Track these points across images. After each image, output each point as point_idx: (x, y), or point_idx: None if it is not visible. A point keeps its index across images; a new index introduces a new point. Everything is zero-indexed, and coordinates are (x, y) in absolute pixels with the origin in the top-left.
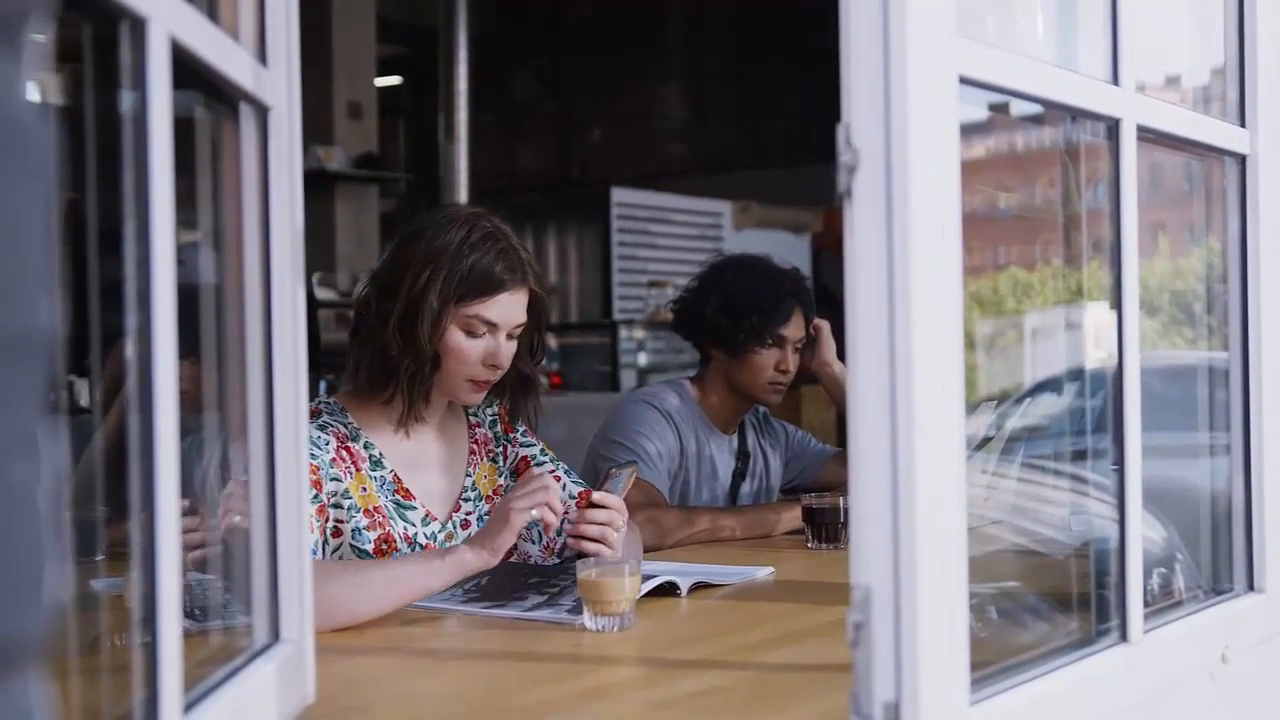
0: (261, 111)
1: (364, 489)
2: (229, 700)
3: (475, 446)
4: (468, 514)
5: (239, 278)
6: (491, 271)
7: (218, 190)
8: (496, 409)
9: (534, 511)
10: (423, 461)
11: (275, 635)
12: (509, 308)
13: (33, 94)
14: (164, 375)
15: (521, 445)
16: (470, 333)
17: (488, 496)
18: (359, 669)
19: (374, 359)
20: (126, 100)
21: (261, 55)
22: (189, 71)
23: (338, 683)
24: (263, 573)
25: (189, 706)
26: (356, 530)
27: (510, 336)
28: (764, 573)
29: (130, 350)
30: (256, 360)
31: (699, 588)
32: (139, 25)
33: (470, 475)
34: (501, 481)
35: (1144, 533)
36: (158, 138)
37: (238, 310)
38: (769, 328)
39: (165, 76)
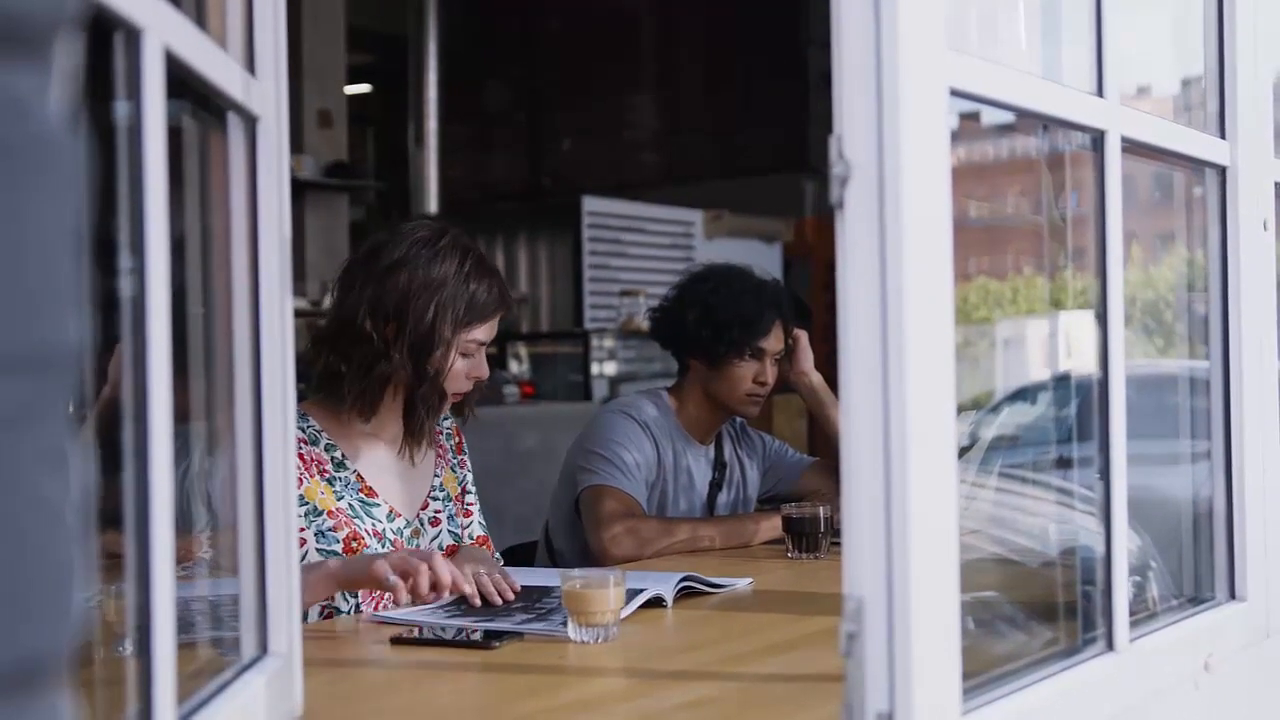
0: (250, 121)
1: (323, 493)
2: (219, 714)
3: (441, 450)
4: (436, 511)
5: (226, 287)
6: (492, 299)
7: (205, 200)
8: (452, 423)
9: (392, 578)
10: (388, 464)
11: (263, 648)
12: (495, 327)
13: (62, 108)
14: (158, 385)
15: (467, 469)
16: (464, 355)
17: (455, 497)
18: (346, 682)
19: (379, 385)
20: (119, 109)
21: (250, 65)
22: (177, 81)
23: (325, 696)
24: (251, 586)
25: None
26: (321, 533)
27: (487, 350)
28: (744, 583)
29: (125, 361)
30: (245, 373)
31: (684, 595)
32: (134, 35)
33: (438, 476)
34: (460, 489)
35: None
36: (152, 147)
37: (225, 320)
38: (749, 340)
39: (160, 86)
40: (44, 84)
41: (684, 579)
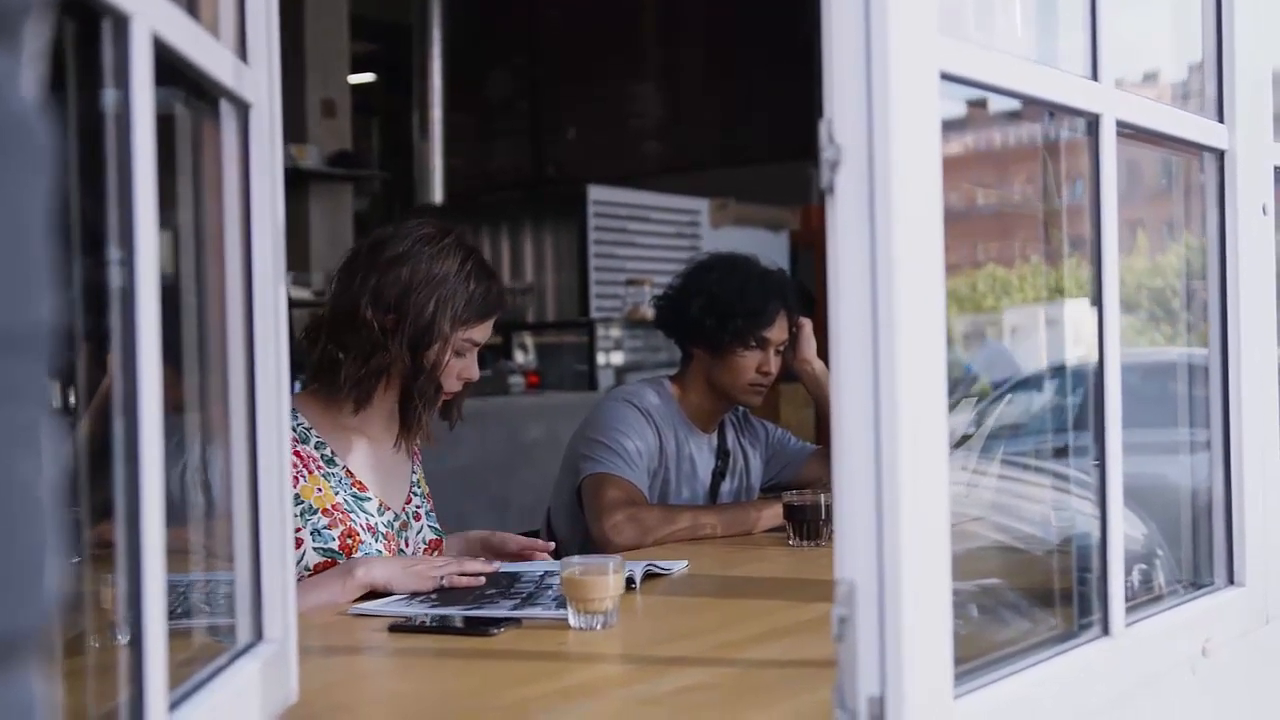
0: (242, 109)
1: (319, 490)
2: (213, 699)
3: (416, 449)
4: (417, 508)
5: (219, 277)
6: (490, 300)
7: (197, 188)
8: None
9: (444, 581)
10: (373, 459)
11: (258, 634)
12: (490, 329)
13: (32, 90)
14: (148, 376)
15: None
16: (458, 353)
17: (427, 495)
18: (342, 668)
19: (375, 375)
20: (108, 97)
21: (242, 52)
22: (169, 68)
23: (320, 682)
24: (246, 572)
25: (173, 705)
26: (316, 531)
27: (481, 351)
28: (679, 566)
29: (113, 351)
30: (238, 360)
31: (649, 577)
32: (121, 22)
33: (415, 474)
34: (428, 488)
35: (1124, 529)
36: (140, 135)
37: (218, 310)
38: (753, 330)
39: (148, 73)
40: (13, 67)
41: (647, 571)
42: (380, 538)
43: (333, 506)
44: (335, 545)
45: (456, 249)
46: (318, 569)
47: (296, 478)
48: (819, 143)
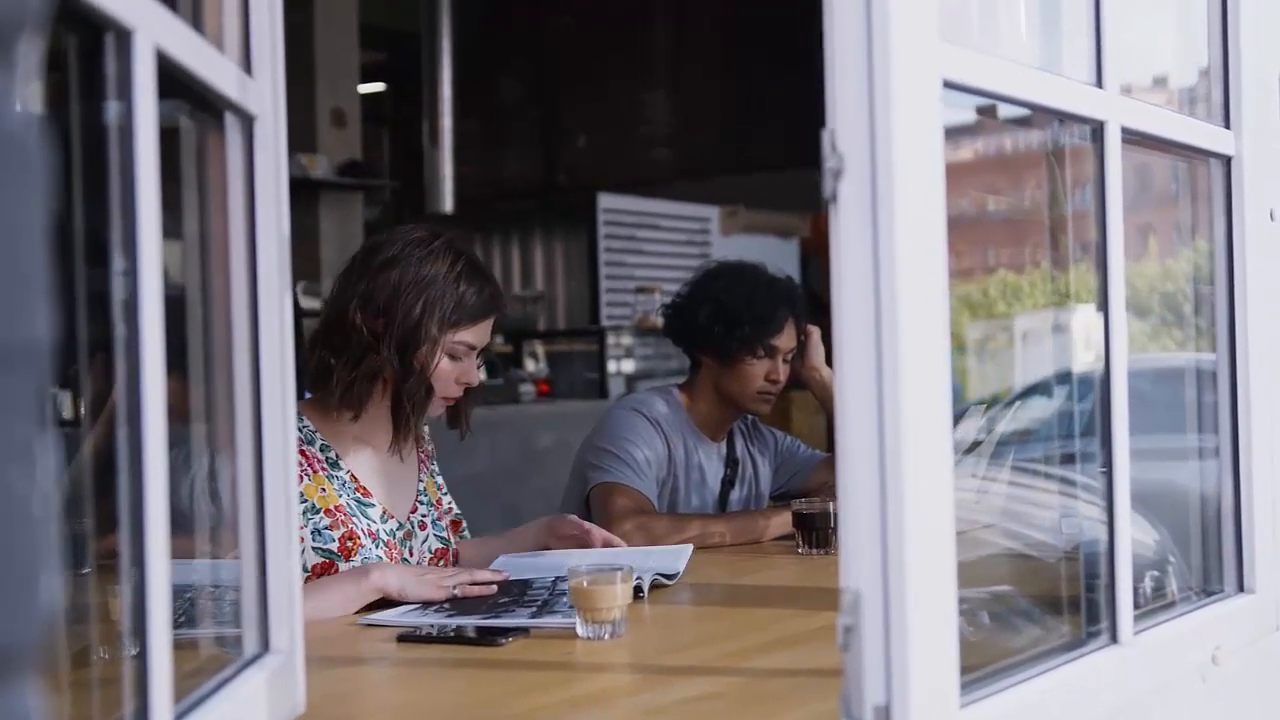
0: (247, 121)
1: (323, 490)
2: (219, 711)
3: (423, 457)
4: (423, 516)
5: (225, 288)
6: (482, 302)
7: (203, 200)
8: (428, 428)
9: (457, 591)
10: (378, 466)
11: (265, 645)
12: (487, 332)
13: (27, 105)
14: (152, 387)
15: (439, 474)
16: (453, 356)
17: (435, 503)
18: (349, 679)
19: (366, 379)
20: (111, 110)
21: (246, 64)
22: (173, 81)
23: (327, 693)
24: (252, 583)
25: (179, 717)
26: (317, 531)
27: (479, 355)
28: (685, 551)
29: (118, 362)
30: (244, 371)
31: (656, 587)
32: (125, 36)
33: (422, 481)
34: (440, 495)
35: (1136, 536)
36: (144, 147)
37: (224, 321)
38: (761, 338)
39: (151, 87)
40: (7, 83)
41: (654, 581)
42: (381, 544)
43: (335, 508)
44: (335, 547)
45: (446, 251)
46: (316, 570)
47: (300, 476)
48: (822, 151)
